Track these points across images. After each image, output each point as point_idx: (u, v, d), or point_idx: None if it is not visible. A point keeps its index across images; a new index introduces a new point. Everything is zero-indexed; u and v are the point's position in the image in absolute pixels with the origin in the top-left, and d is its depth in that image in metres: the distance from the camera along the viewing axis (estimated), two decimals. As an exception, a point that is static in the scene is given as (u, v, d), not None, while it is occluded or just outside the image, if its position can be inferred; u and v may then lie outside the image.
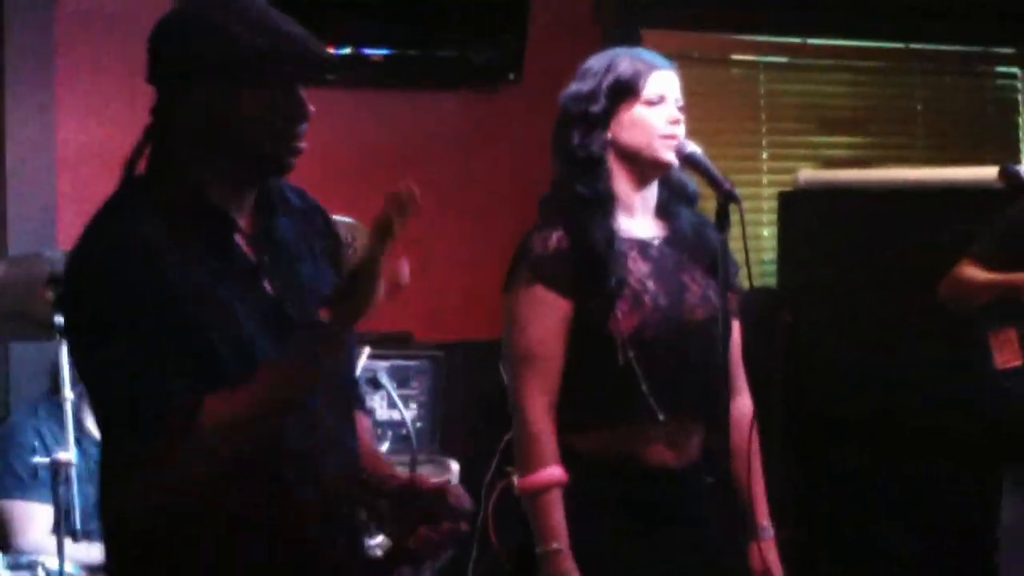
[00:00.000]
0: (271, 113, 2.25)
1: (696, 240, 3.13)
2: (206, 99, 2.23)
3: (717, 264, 3.03)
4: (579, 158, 3.04)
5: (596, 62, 3.11)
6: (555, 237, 3.01)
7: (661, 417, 2.99)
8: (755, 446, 3.14)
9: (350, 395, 2.47)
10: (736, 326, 3.14)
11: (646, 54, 3.15)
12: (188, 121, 2.26)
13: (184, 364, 2.13)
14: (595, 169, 3.04)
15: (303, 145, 2.29)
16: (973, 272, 3.97)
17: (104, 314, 2.14)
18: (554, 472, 2.97)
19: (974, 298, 3.97)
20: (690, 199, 3.18)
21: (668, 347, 3.01)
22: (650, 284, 3.03)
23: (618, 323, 2.98)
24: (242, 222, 2.31)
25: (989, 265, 3.95)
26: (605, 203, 3.04)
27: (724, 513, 3.09)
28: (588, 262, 2.99)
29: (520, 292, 3.04)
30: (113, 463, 2.22)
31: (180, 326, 2.14)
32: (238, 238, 2.29)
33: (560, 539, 2.94)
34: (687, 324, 3.05)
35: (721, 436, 3.01)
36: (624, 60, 3.09)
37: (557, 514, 2.96)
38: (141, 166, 2.31)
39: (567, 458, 3.00)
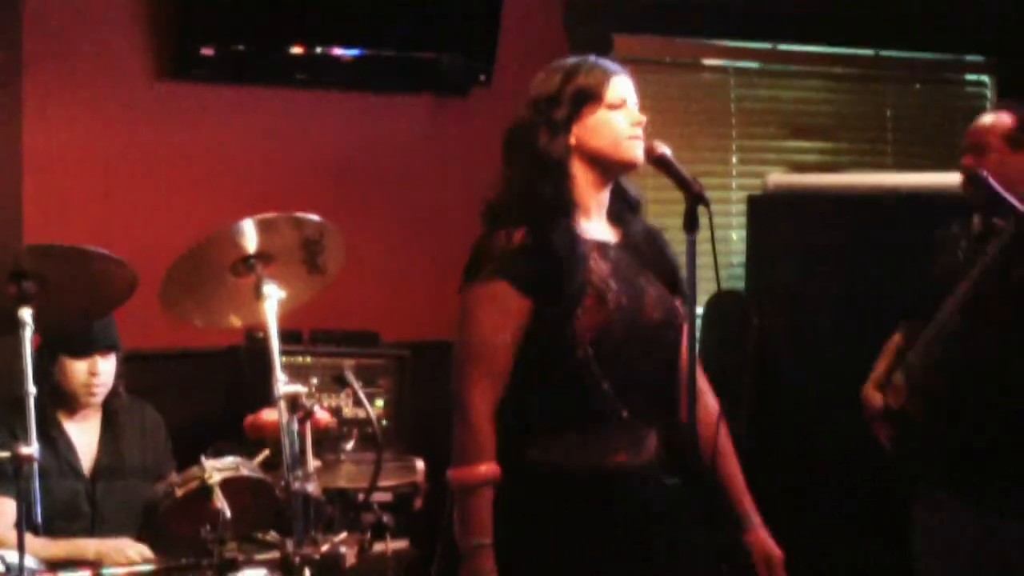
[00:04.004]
0: None
1: (648, 246, 3.17)
2: None
3: (668, 271, 3.11)
4: (542, 161, 3.05)
5: (554, 70, 3.13)
6: (519, 234, 3.01)
7: (624, 415, 2.99)
8: (728, 442, 3.18)
9: None
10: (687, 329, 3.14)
11: (601, 60, 3.16)
12: None
13: None
14: (558, 172, 3.05)
15: None
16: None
17: None
18: (492, 468, 2.96)
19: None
20: (634, 206, 3.21)
21: (629, 346, 3.01)
22: (612, 283, 3.03)
23: (580, 322, 2.98)
24: None
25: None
26: (567, 206, 3.05)
27: (692, 515, 3.09)
28: (551, 263, 2.99)
29: (479, 287, 3.03)
30: None
31: None
32: None
33: (489, 535, 2.93)
34: (647, 325, 3.06)
35: (689, 437, 3.01)
36: (583, 67, 3.11)
37: (488, 510, 2.94)
38: None
39: (518, 469, 2.98)
